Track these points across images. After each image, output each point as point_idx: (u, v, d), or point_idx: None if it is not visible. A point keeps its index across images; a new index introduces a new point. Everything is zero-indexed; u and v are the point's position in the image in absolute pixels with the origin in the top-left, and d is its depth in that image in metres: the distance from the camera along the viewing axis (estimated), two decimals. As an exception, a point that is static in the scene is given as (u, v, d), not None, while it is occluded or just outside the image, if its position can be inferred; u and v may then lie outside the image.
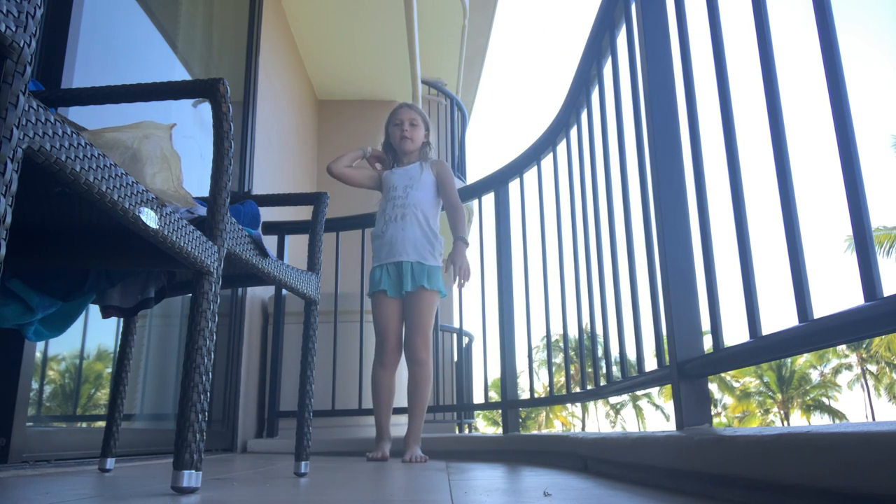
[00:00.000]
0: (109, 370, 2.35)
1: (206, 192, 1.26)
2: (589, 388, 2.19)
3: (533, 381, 2.99)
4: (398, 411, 2.84)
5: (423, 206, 2.71)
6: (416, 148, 2.82)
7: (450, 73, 6.00)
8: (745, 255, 1.17)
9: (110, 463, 1.65)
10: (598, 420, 42.92)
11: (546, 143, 2.63)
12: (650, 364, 1.64)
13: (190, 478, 1.09)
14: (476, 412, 7.02)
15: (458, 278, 2.64)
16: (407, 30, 4.35)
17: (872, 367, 35.37)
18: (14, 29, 0.69)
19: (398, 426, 2.84)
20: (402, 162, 2.84)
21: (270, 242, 3.47)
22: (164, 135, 1.17)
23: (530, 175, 2.83)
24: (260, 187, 3.75)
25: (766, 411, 37.97)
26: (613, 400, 40.93)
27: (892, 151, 25.87)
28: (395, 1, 4.36)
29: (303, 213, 4.50)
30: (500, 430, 3.04)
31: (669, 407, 38.45)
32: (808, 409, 36.82)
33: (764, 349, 1.10)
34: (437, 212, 2.79)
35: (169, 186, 1.13)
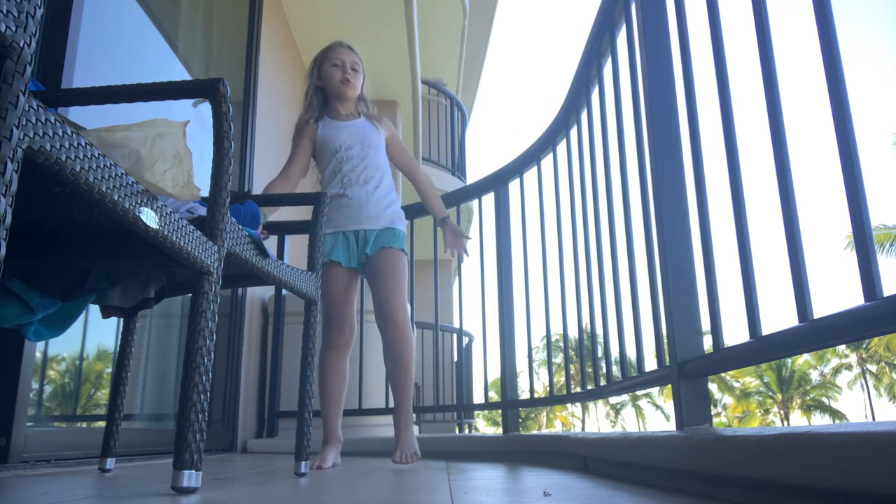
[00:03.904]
0: (109, 370, 2.35)
1: (206, 192, 1.26)
2: (589, 388, 2.19)
3: (533, 381, 2.99)
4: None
5: (382, 168, 2.38)
6: (355, 96, 2.43)
7: (450, 73, 6.01)
8: (745, 255, 1.17)
9: (110, 463, 1.65)
10: (598, 420, 42.92)
11: (546, 143, 2.63)
12: (650, 364, 1.64)
13: (190, 478, 1.09)
14: (476, 412, 7.02)
15: (458, 254, 2.45)
16: (407, 30, 4.35)
17: (872, 367, 35.37)
18: (14, 29, 0.69)
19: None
20: (338, 112, 2.41)
21: (270, 242, 3.46)
22: (178, 132, 1.17)
23: (530, 175, 2.83)
24: (260, 187, 3.75)
25: (766, 411, 37.96)
26: (613, 400, 40.93)
27: (893, 150, 25.82)
28: (395, 1, 4.36)
29: (303, 213, 4.49)
30: (500, 430, 3.04)
31: (669, 407, 38.44)
32: (808, 409, 36.81)
33: (764, 349, 1.10)
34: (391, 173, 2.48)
35: (179, 181, 1.13)
